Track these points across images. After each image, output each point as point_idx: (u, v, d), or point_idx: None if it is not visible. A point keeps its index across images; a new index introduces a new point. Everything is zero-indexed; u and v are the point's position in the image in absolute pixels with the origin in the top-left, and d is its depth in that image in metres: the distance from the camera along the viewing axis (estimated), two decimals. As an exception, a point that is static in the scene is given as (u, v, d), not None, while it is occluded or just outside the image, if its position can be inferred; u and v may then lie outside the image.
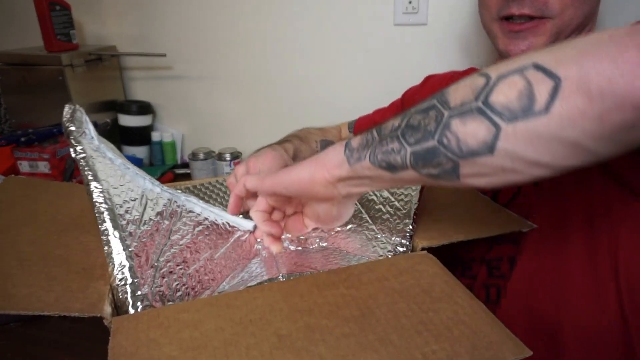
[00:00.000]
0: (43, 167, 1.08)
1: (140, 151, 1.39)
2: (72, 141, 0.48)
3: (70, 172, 1.13)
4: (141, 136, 1.39)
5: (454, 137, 0.30)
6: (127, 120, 1.36)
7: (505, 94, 0.28)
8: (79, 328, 0.58)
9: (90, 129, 0.49)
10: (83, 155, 0.47)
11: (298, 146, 0.78)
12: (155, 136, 1.39)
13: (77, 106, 0.49)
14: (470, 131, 0.29)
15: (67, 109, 0.48)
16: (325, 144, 0.87)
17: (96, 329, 0.53)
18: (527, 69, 0.27)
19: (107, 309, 0.42)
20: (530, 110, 0.27)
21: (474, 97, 0.29)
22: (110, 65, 1.36)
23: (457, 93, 0.30)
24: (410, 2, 1.08)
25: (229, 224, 0.54)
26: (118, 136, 1.38)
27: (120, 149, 1.36)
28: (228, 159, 1.27)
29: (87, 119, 0.49)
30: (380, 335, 0.37)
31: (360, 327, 0.38)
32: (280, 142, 0.74)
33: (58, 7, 1.20)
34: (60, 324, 0.57)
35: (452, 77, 0.80)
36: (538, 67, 0.27)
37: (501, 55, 0.66)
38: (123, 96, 1.42)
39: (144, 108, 1.37)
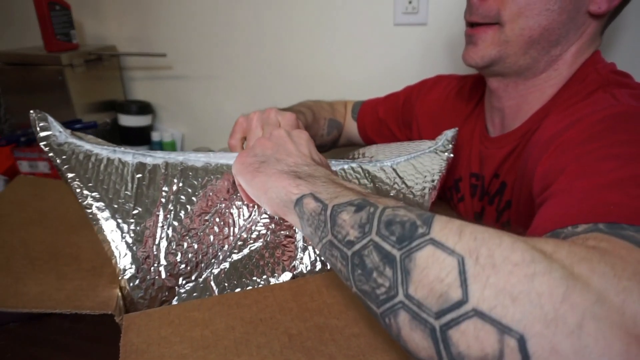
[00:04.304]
0: (43, 167, 1.08)
1: (140, 151, 1.38)
2: (46, 147, 0.47)
3: (71, 172, 1.12)
4: (141, 136, 1.38)
5: (395, 326, 0.28)
6: (127, 120, 1.35)
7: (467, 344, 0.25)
8: (79, 328, 0.57)
9: (60, 130, 0.49)
10: (58, 160, 0.47)
11: (311, 122, 0.77)
12: (155, 136, 1.39)
13: (36, 114, 0.49)
14: (414, 339, 0.27)
15: (32, 117, 0.48)
16: (333, 123, 0.87)
17: (97, 329, 0.54)
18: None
19: (118, 307, 0.42)
20: None
21: (434, 314, 0.26)
22: (110, 65, 1.36)
23: (422, 285, 0.27)
24: (410, 2, 1.08)
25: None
26: (118, 136, 1.38)
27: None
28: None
29: (52, 119, 0.49)
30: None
31: (370, 327, 0.39)
32: (293, 110, 0.73)
33: (58, 7, 1.20)
34: (60, 324, 0.57)
35: (462, 84, 0.79)
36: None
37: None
38: (123, 96, 1.42)
39: (144, 108, 1.37)
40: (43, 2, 1.16)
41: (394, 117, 0.88)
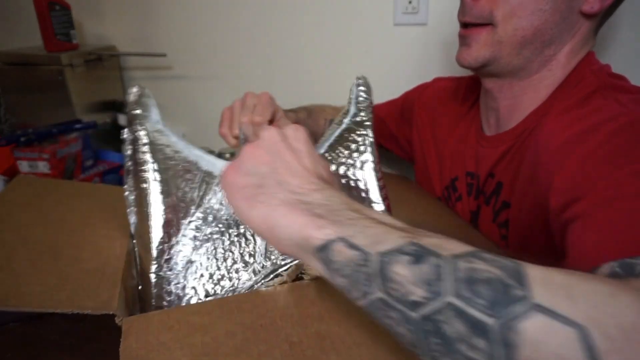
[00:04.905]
0: (43, 167, 1.08)
1: (140, 151, 1.38)
2: (137, 125, 0.48)
3: (70, 172, 1.12)
4: (141, 136, 1.38)
5: None
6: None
7: None
8: (79, 328, 0.58)
9: (155, 113, 0.50)
10: (145, 140, 0.47)
11: (303, 119, 0.78)
12: (155, 136, 1.39)
13: (145, 89, 0.49)
14: None
15: (135, 91, 0.48)
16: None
17: (97, 330, 0.54)
18: None
19: (119, 307, 0.42)
20: None
21: None
22: (110, 65, 1.35)
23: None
24: (410, 2, 1.08)
25: None
26: (118, 136, 1.37)
27: (119, 149, 1.36)
28: (228, 158, 1.27)
29: (154, 102, 0.49)
30: (393, 345, 0.37)
31: (372, 336, 0.38)
32: (286, 110, 0.74)
33: (58, 7, 1.19)
34: (60, 324, 0.57)
35: (458, 85, 0.80)
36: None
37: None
38: (123, 96, 1.42)
39: (144, 108, 1.36)
40: (43, 2, 1.15)
41: (393, 117, 0.90)
